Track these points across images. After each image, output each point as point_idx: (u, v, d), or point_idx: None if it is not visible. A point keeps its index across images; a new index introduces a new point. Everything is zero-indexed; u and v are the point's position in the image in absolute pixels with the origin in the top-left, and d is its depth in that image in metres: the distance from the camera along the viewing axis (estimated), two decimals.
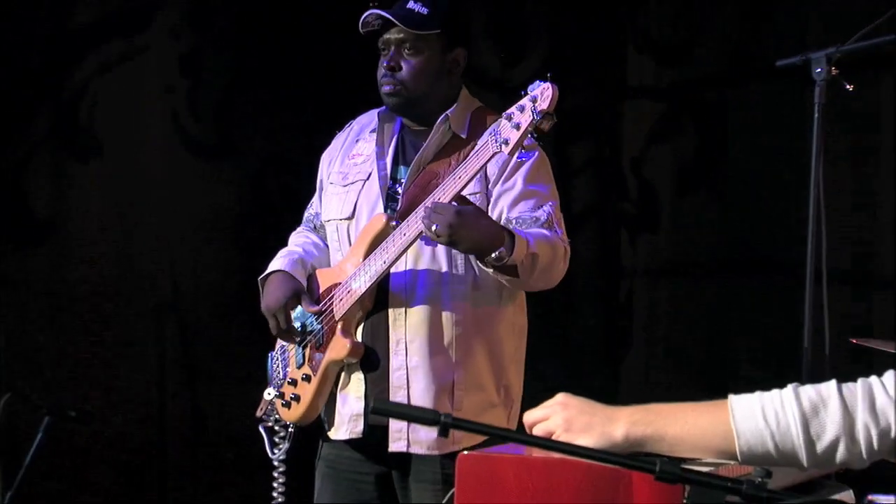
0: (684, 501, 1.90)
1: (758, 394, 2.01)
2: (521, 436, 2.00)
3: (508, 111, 3.12)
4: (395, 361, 3.38)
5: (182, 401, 5.51)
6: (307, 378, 3.47)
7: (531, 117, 3.07)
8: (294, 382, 3.50)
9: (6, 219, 5.29)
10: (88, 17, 5.37)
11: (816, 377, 2.07)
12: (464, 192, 3.24)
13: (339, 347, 3.40)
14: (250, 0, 5.54)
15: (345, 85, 4.97)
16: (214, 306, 5.51)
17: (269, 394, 3.55)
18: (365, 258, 3.37)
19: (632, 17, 5.71)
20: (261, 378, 3.64)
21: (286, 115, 5.52)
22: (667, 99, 5.67)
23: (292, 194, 4.10)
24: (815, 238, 3.50)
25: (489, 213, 3.33)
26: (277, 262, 3.57)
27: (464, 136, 3.40)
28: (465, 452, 2.14)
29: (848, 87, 3.47)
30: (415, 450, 3.37)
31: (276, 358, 3.59)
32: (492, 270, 3.24)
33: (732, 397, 2.02)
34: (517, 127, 3.09)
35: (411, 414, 2.00)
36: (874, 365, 2.04)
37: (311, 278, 3.54)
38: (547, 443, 2.02)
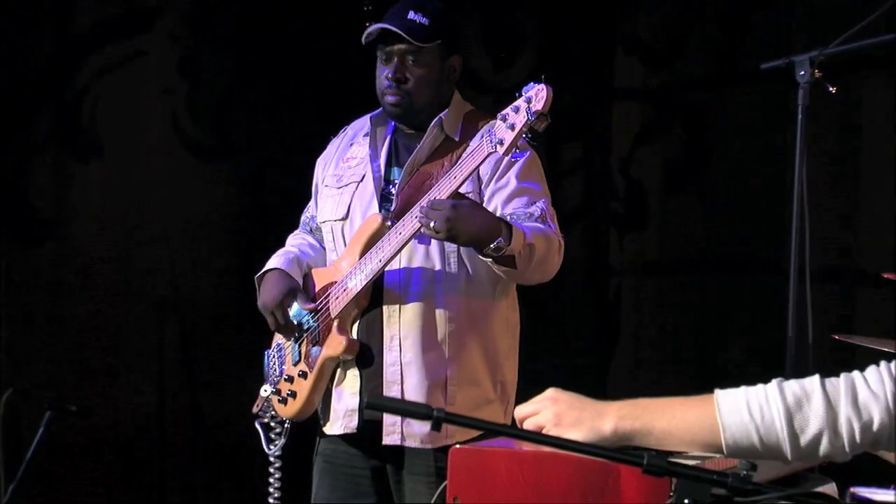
0: (671, 494, 1.90)
1: (743, 388, 2.01)
2: (512, 430, 2.00)
3: (503, 112, 3.12)
4: (389, 357, 3.38)
5: (182, 399, 5.49)
6: (303, 374, 3.47)
7: (526, 118, 3.07)
8: (290, 379, 3.50)
9: (9, 218, 5.27)
10: (90, 21, 5.36)
11: (800, 372, 2.07)
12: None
13: (335, 344, 3.40)
14: (248, 3, 5.53)
15: (342, 86, 4.97)
16: (214, 306, 5.49)
17: (265, 390, 3.55)
18: (360, 257, 3.38)
19: (620, 22, 5.71)
20: (259, 376, 3.64)
21: (284, 117, 5.51)
22: (654, 101, 5.68)
23: (291, 194, 4.09)
24: (798, 237, 3.50)
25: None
26: (274, 261, 3.57)
27: (457, 139, 3.41)
28: (458, 446, 2.14)
29: (831, 89, 3.47)
30: (408, 443, 3.37)
31: (272, 355, 3.59)
32: (490, 261, 3.24)
33: (718, 392, 2.02)
34: (512, 127, 3.09)
35: (405, 408, 2.00)
36: (857, 360, 2.04)
37: (308, 277, 3.55)
38: (537, 437, 2.02)
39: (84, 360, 5.33)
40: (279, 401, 3.52)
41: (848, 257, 5.09)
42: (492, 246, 3.17)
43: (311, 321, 3.47)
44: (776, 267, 4.88)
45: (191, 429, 5.50)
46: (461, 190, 3.25)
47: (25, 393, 4.40)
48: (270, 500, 3.57)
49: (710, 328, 5.48)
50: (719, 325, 5.45)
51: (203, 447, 5.49)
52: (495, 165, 3.37)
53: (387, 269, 3.37)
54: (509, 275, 3.32)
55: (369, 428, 3.40)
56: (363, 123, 3.60)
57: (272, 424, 3.54)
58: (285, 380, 3.51)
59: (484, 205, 3.36)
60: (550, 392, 2.12)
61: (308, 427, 3.57)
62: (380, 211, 3.43)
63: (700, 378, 5.27)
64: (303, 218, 3.73)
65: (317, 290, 3.50)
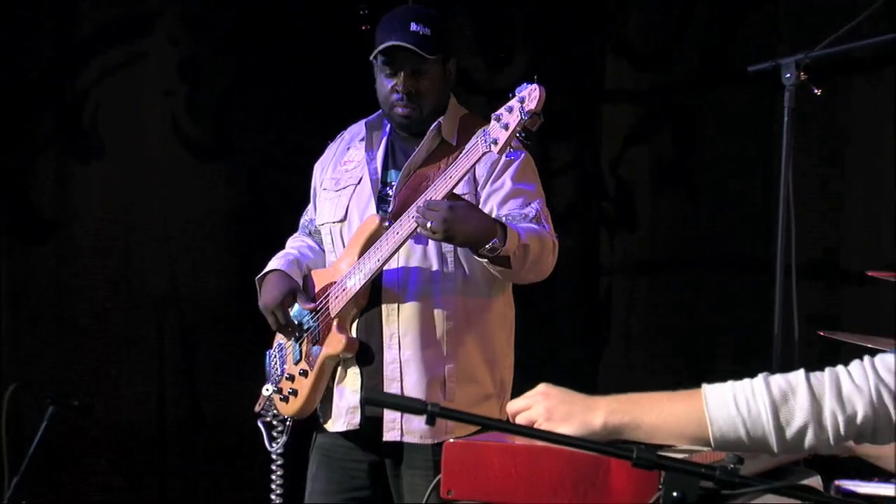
0: (660, 487, 1.90)
1: (730, 383, 2.02)
2: (505, 424, 2.01)
3: (497, 112, 3.13)
4: (389, 355, 3.39)
5: (182, 398, 5.48)
6: (304, 373, 3.47)
7: (519, 117, 3.08)
8: (292, 378, 3.50)
9: (12, 217, 5.27)
10: (91, 25, 5.36)
11: (786, 367, 2.07)
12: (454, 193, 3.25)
13: (335, 343, 3.41)
14: (247, 4, 5.52)
15: (342, 87, 4.97)
16: (214, 305, 5.49)
17: (267, 389, 3.55)
18: (359, 257, 3.38)
19: (610, 25, 5.72)
20: (259, 376, 3.64)
21: (283, 118, 5.51)
22: (643, 102, 5.68)
23: (290, 194, 4.09)
24: (784, 235, 3.50)
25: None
26: (274, 263, 3.59)
27: (453, 144, 3.41)
28: (451, 440, 2.14)
29: (816, 91, 3.48)
30: (408, 439, 3.38)
31: (273, 355, 3.60)
32: (486, 262, 3.25)
33: (706, 386, 2.02)
34: (506, 127, 3.10)
35: (400, 403, 2.01)
36: (841, 356, 2.04)
37: (307, 278, 3.56)
38: (529, 431, 2.02)
39: (84, 359, 5.33)
40: (281, 399, 3.52)
41: (833, 256, 5.10)
42: (487, 247, 3.18)
43: (311, 321, 3.48)
44: (763, 265, 4.90)
45: (191, 428, 5.49)
46: (457, 191, 3.26)
47: (29, 388, 4.40)
48: (272, 497, 3.58)
49: (697, 324, 5.49)
50: (708, 323, 5.45)
51: (203, 447, 5.48)
52: (491, 167, 3.38)
53: (385, 268, 3.37)
54: (504, 275, 3.32)
55: (371, 424, 3.41)
56: (359, 128, 3.61)
57: (274, 423, 3.54)
58: (287, 378, 3.51)
59: (480, 206, 3.36)
60: (542, 387, 2.13)
61: (309, 425, 3.58)
62: (377, 212, 3.43)
63: (689, 374, 5.28)
64: (302, 221, 3.74)
65: (316, 290, 3.50)
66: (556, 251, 3.36)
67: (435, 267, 3.39)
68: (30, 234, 5.31)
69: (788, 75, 3.46)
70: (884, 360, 1.99)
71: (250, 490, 5.26)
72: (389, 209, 3.42)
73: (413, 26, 3.38)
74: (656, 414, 2.03)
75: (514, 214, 3.35)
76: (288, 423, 3.52)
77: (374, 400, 1.93)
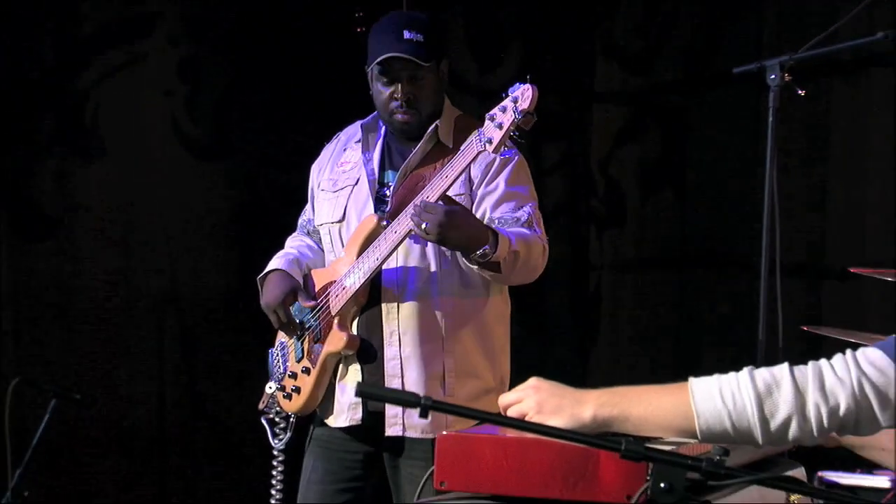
0: (648, 478, 1.91)
1: (716, 376, 2.02)
2: (497, 417, 2.01)
3: (491, 112, 3.14)
4: (390, 352, 3.39)
5: (182, 396, 5.47)
6: (307, 370, 3.48)
7: (513, 116, 3.08)
8: (294, 375, 3.50)
9: (14, 216, 5.26)
10: (92, 25, 5.35)
11: (770, 361, 2.08)
12: (450, 194, 3.25)
13: (336, 340, 3.41)
14: (247, 7, 5.52)
15: (341, 87, 4.95)
16: (214, 304, 5.47)
17: (270, 387, 3.55)
18: (358, 256, 3.39)
19: (600, 28, 5.72)
20: (260, 374, 3.63)
21: (283, 118, 5.50)
22: (632, 103, 5.69)
23: (290, 194, 4.08)
24: (769, 234, 3.51)
25: (474, 214, 3.34)
26: (275, 262, 3.59)
27: (449, 146, 3.41)
28: (444, 433, 2.15)
29: (800, 92, 3.49)
30: (409, 434, 3.39)
31: (275, 354, 3.60)
32: (476, 267, 3.26)
33: (692, 380, 2.03)
34: (500, 126, 3.11)
35: (394, 396, 2.01)
36: (824, 350, 2.05)
37: (307, 278, 3.56)
38: (520, 424, 2.03)
39: (85, 359, 5.31)
40: (284, 396, 3.52)
41: (816, 253, 5.11)
42: (478, 253, 3.20)
43: (312, 319, 3.48)
44: (748, 263, 4.91)
45: (191, 428, 5.47)
46: (453, 191, 3.27)
47: (31, 381, 4.40)
48: (273, 492, 3.57)
49: (684, 320, 5.50)
50: (693, 317, 5.47)
51: (203, 447, 5.47)
52: (486, 168, 3.39)
53: (384, 267, 3.38)
54: (494, 278, 3.34)
55: (372, 419, 3.41)
56: (355, 129, 3.61)
57: (277, 420, 3.54)
58: (289, 376, 3.51)
59: (474, 207, 3.37)
60: (533, 381, 2.13)
61: (310, 423, 3.58)
62: (375, 212, 3.43)
63: (676, 368, 5.28)
64: (300, 221, 3.74)
65: (317, 289, 3.50)
66: (545, 255, 3.37)
67: (433, 265, 3.39)
68: (31, 234, 5.30)
69: (773, 76, 3.47)
70: (866, 354, 1.99)
71: (250, 490, 5.25)
72: (387, 209, 3.42)
73: (406, 34, 3.37)
74: (644, 407, 2.03)
75: (506, 218, 3.36)
76: (291, 419, 3.52)
77: (367, 393, 1.93)
